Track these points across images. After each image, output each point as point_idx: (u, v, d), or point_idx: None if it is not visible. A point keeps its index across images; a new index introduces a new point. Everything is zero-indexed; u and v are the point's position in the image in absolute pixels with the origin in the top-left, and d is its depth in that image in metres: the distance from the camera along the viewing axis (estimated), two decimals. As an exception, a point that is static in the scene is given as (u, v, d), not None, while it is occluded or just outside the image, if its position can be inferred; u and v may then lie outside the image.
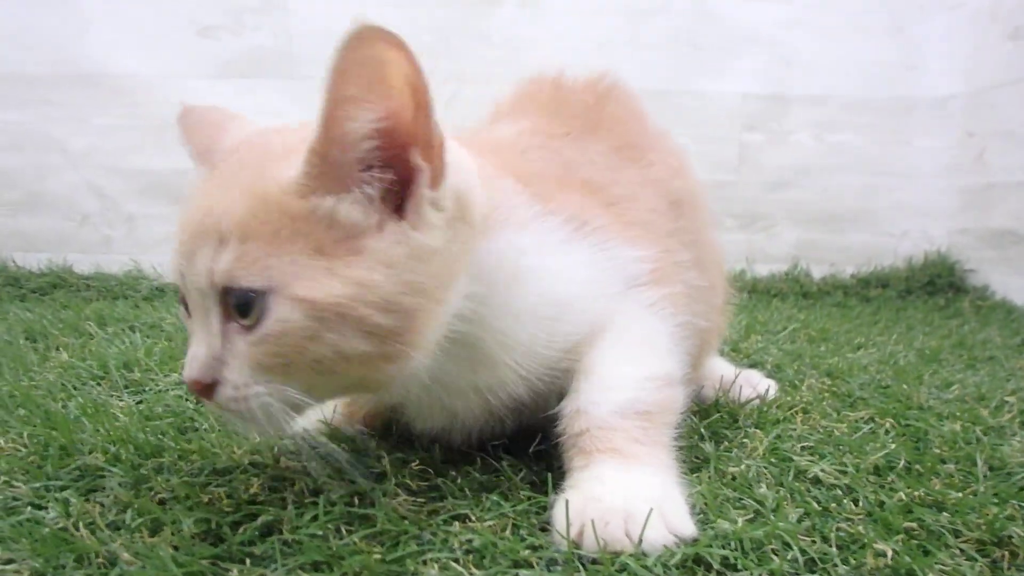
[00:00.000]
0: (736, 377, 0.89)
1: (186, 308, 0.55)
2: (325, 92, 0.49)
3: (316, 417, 0.71)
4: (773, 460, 0.66)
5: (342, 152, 0.51)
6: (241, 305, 0.51)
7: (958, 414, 0.80)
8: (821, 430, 0.74)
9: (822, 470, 0.62)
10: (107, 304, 1.55)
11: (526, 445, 0.65)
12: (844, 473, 0.62)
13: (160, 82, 1.83)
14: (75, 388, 0.88)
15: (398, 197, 0.53)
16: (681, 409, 0.62)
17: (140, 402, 0.84)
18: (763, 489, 0.59)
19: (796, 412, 0.81)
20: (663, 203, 0.79)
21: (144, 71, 1.82)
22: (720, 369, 0.93)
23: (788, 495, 0.59)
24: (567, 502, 0.51)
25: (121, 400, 0.84)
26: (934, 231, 1.95)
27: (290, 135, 0.56)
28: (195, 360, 0.52)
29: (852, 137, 1.95)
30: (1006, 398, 0.88)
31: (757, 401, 0.85)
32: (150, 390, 0.89)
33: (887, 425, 0.75)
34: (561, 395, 0.61)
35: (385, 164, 0.52)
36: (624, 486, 0.53)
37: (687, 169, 0.89)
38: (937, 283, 1.81)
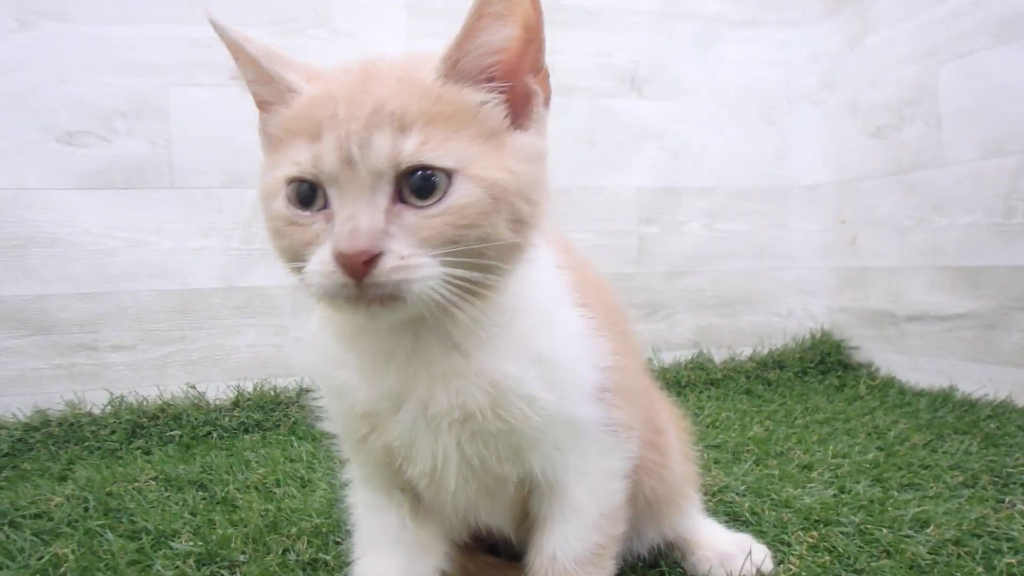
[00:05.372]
0: (736, 549, 0.88)
1: (307, 201, 0.58)
2: (471, 8, 0.58)
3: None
4: None
5: (472, 60, 0.59)
6: (423, 184, 0.56)
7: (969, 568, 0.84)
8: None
9: None
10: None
11: None
12: None
13: (13, 196, 1.58)
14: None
15: (511, 113, 0.61)
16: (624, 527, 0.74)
17: None
18: None
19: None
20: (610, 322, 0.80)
21: (-9, 184, 1.58)
22: (716, 537, 0.92)
23: None
24: None
25: None
26: (815, 309, 2.11)
27: (403, 59, 0.63)
28: (360, 232, 0.54)
29: (737, 224, 2.07)
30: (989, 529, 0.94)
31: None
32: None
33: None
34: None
35: (502, 81, 0.60)
36: None
37: (615, 295, 0.92)
38: (827, 361, 1.95)
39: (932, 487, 1.15)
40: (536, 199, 0.60)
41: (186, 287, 1.68)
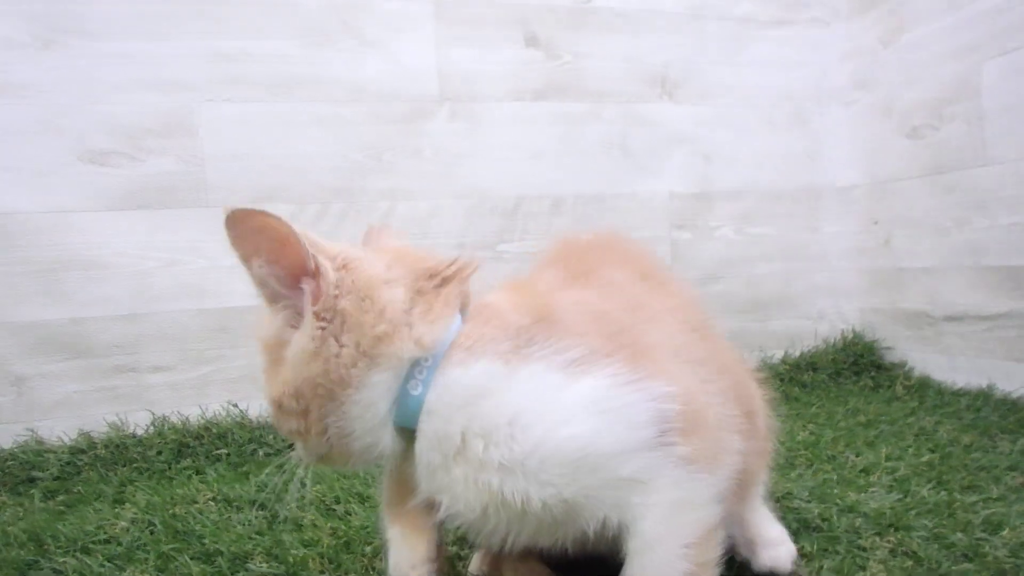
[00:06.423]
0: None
1: None
2: None
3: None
4: None
5: (265, 290, 0.70)
6: None
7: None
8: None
9: None
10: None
11: None
12: None
13: (46, 220, 1.57)
14: None
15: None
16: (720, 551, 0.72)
17: None
18: None
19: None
20: (690, 326, 0.82)
21: (25, 208, 1.56)
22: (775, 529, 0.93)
23: None
24: None
25: None
26: (847, 311, 2.12)
27: None
28: None
29: (769, 227, 2.08)
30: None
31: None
32: None
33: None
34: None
35: (294, 290, 0.69)
36: None
37: (699, 301, 0.94)
38: (860, 363, 1.96)
39: (994, 489, 1.16)
40: (307, 395, 0.68)
41: (223, 306, 1.67)
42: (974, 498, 1.12)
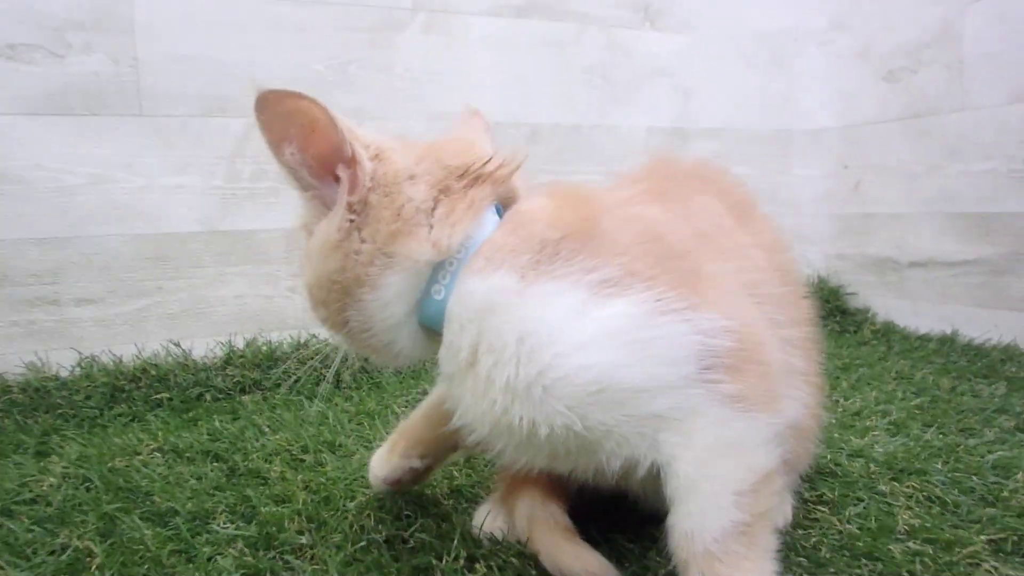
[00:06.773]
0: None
1: None
2: None
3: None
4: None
5: (295, 178, 0.66)
6: None
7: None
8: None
9: None
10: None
11: None
12: None
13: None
14: None
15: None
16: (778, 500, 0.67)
17: None
18: None
19: (959, 558, 0.77)
20: (771, 268, 0.77)
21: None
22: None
23: None
24: None
25: None
26: (813, 256, 2.10)
27: None
28: None
29: (742, 167, 2.02)
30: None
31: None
32: None
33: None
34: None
35: (330, 178, 0.66)
36: None
37: (789, 247, 0.87)
38: (826, 308, 1.95)
39: (988, 432, 1.15)
40: (328, 286, 0.66)
41: (161, 231, 1.48)
42: (973, 441, 1.10)
